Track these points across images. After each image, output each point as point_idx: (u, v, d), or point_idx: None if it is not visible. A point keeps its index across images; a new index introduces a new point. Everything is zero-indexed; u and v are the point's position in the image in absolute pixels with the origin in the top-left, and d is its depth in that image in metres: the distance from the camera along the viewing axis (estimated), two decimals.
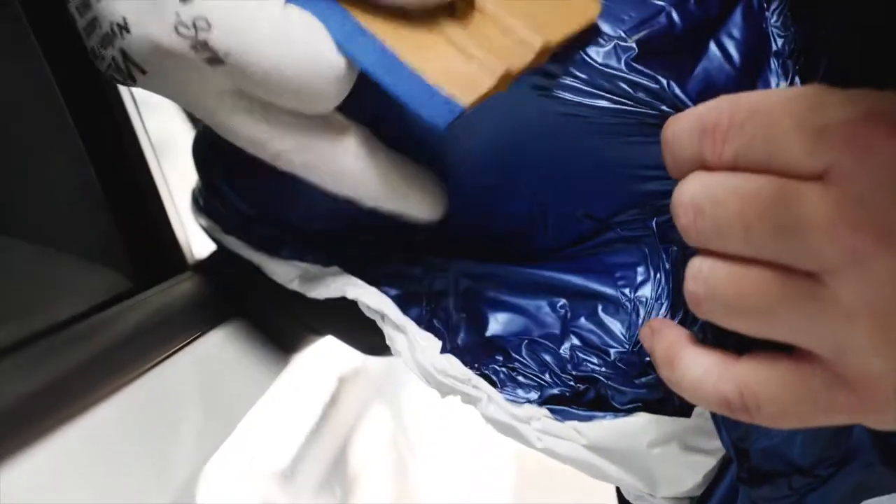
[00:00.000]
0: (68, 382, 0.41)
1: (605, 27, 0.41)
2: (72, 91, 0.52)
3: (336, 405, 0.70)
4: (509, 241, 0.47)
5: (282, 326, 0.59)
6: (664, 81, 0.41)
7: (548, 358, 0.45)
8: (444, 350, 0.46)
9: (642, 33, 0.42)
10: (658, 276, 0.45)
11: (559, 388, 0.45)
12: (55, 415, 0.39)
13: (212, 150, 0.52)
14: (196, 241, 0.58)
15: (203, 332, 0.53)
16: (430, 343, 0.46)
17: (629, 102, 0.41)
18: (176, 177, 0.58)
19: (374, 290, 0.48)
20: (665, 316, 0.44)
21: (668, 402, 0.44)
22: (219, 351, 0.54)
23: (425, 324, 0.47)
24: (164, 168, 0.57)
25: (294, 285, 0.51)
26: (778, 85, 0.43)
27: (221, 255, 0.55)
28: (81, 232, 0.52)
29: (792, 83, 0.43)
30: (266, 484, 0.57)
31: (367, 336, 0.50)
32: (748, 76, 0.44)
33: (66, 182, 0.52)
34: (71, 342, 0.43)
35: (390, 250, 0.49)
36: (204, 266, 0.58)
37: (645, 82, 0.41)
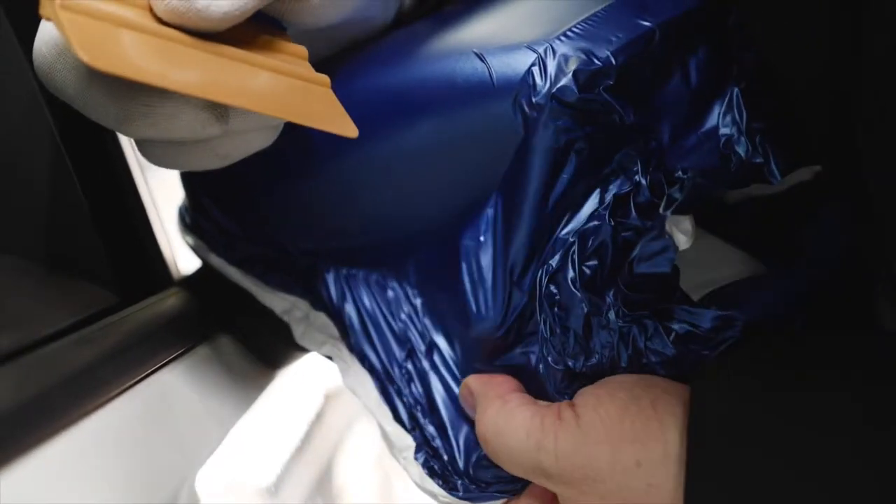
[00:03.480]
0: (53, 397, 0.40)
1: (594, 49, 0.40)
2: (58, 105, 0.52)
3: (321, 422, 0.70)
4: None
5: (268, 342, 0.59)
6: (620, 111, 0.40)
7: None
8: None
9: (630, 55, 0.40)
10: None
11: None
12: (40, 429, 0.39)
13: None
14: (182, 256, 0.58)
15: (189, 348, 0.53)
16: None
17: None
18: (162, 192, 0.57)
19: (358, 368, 0.48)
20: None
21: None
22: (204, 367, 0.54)
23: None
24: (151, 183, 0.57)
25: (285, 318, 0.51)
26: (721, 109, 0.43)
27: (207, 270, 0.55)
28: (67, 246, 0.52)
29: (738, 108, 0.43)
30: (251, 500, 0.56)
31: None
32: (703, 97, 0.43)
33: (52, 197, 0.52)
34: (56, 357, 0.43)
35: (388, 274, 0.48)
36: (190, 282, 0.58)
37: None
